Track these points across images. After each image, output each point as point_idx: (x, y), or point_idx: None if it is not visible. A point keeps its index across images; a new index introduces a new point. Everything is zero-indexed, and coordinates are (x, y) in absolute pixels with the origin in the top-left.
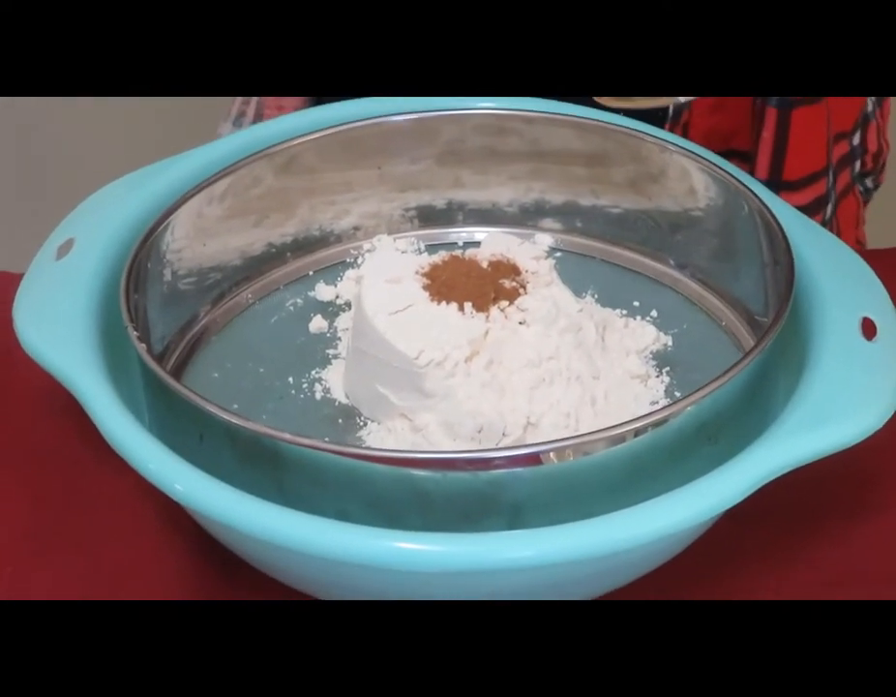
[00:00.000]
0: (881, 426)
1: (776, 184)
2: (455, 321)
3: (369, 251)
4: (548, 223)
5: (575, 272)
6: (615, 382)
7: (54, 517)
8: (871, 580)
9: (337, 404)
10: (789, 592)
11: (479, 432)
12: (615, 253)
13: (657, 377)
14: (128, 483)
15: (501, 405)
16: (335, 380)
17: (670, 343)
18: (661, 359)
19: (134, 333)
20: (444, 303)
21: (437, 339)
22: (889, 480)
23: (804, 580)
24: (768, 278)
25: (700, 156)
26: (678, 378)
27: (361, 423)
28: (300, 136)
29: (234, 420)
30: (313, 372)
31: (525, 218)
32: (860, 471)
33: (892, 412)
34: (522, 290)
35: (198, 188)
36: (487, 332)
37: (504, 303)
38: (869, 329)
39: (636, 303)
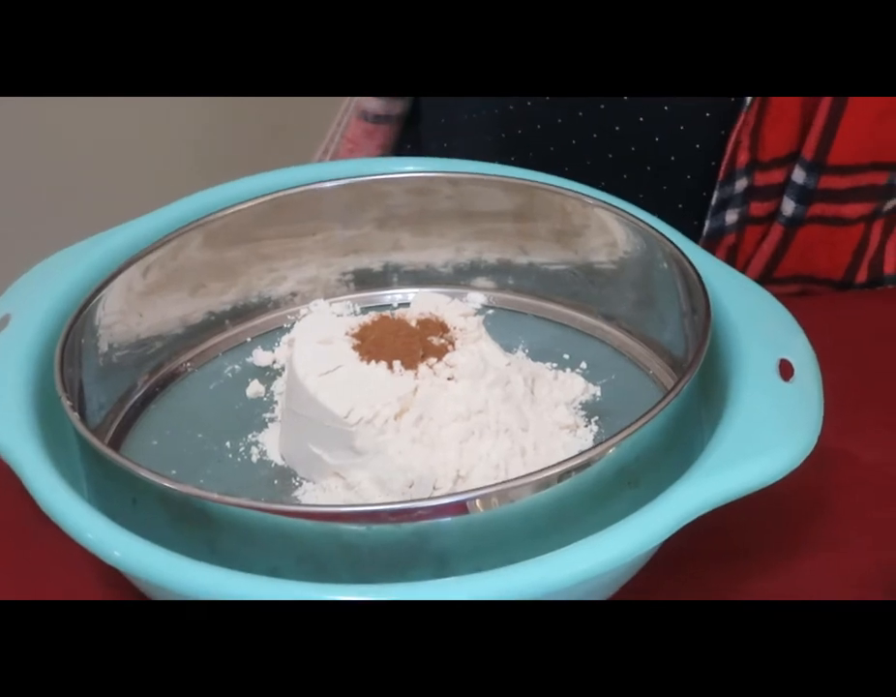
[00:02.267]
0: (799, 463)
1: None
2: (384, 379)
3: (305, 315)
4: (481, 281)
5: (506, 328)
6: (544, 433)
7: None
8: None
9: (273, 465)
10: None
11: (410, 487)
12: (546, 307)
13: (586, 426)
14: (71, 551)
15: (431, 459)
16: (271, 443)
17: (598, 393)
18: (590, 409)
19: (68, 403)
20: (374, 362)
21: (367, 397)
22: (814, 521)
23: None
24: (688, 325)
25: (618, 208)
26: (607, 427)
27: (297, 483)
28: (234, 205)
29: (165, 483)
30: (250, 435)
31: (459, 277)
32: (785, 513)
33: (810, 450)
34: (450, 347)
35: (130, 261)
36: (416, 388)
37: (433, 360)
38: (786, 370)
39: (565, 356)
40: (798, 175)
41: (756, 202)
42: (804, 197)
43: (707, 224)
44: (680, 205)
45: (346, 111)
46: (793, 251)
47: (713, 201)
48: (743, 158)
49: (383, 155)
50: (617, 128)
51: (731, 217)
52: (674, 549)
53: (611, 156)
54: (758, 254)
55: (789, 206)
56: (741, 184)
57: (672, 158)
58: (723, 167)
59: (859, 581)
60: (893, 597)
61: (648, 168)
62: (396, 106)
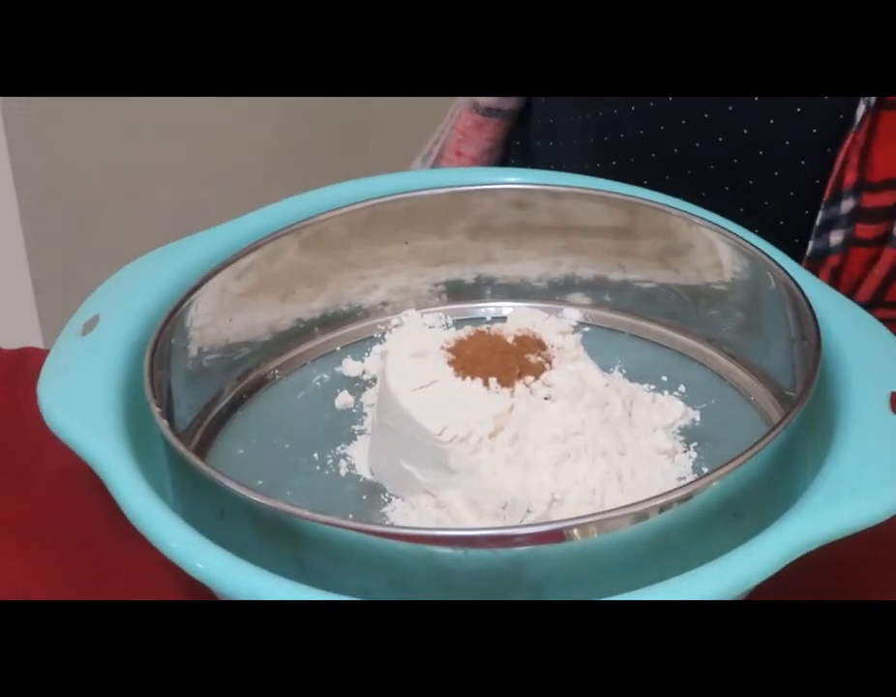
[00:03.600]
0: None
1: None
2: (479, 397)
3: (396, 326)
4: (576, 297)
5: (602, 347)
6: (642, 458)
7: (83, 594)
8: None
9: (361, 480)
10: None
11: (503, 508)
12: (643, 327)
13: (684, 452)
14: (152, 560)
15: (526, 481)
16: (360, 456)
17: (697, 418)
18: (688, 434)
19: (157, 410)
20: (469, 378)
21: (462, 414)
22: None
23: None
24: (796, 352)
25: (725, 229)
26: (706, 454)
27: (385, 499)
28: (328, 211)
29: (253, 497)
30: (339, 448)
31: (554, 293)
32: (892, 553)
33: None
34: (547, 365)
35: (224, 264)
36: (511, 407)
37: (529, 378)
38: None
39: (664, 378)
40: None
41: (863, 224)
42: None
43: (811, 244)
44: (781, 222)
45: (460, 103)
46: None
47: (818, 221)
48: (851, 178)
49: (492, 148)
50: (721, 139)
51: (835, 238)
52: (773, 586)
53: (712, 167)
54: (869, 278)
55: None
56: (847, 204)
57: (776, 173)
58: (829, 187)
59: None
60: None
61: (750, 182)
62: (507, 101)
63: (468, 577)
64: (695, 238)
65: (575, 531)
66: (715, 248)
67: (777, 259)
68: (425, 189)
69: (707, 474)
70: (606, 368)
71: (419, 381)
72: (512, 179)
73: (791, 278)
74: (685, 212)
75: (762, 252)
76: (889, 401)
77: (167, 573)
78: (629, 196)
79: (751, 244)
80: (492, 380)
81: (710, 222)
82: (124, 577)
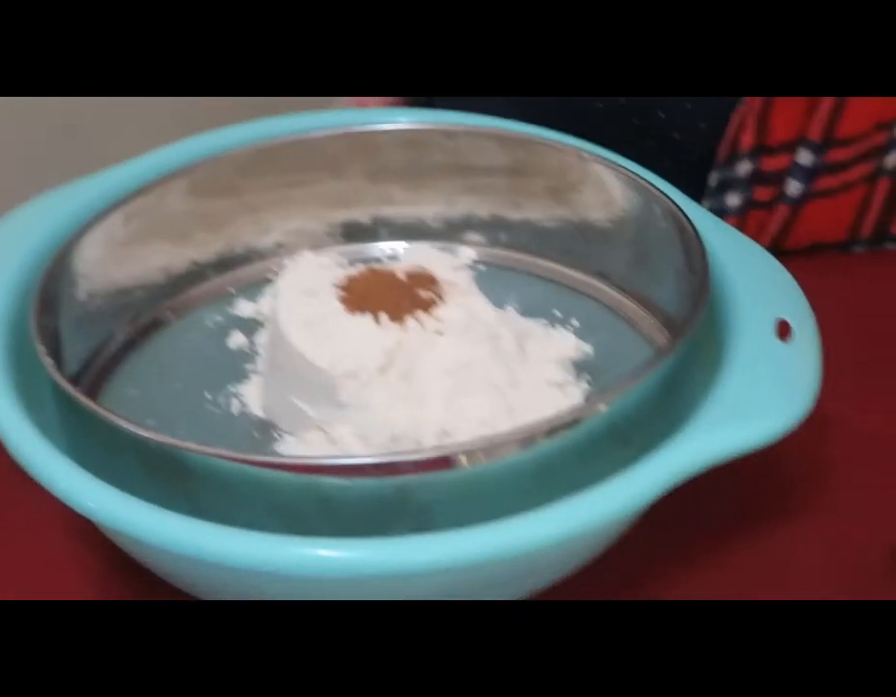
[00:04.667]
0: (795, 425)
1: None
2: (369, 332)
3: (290, 267)
4: (472, 236)
5: (497, 284)
6: (533, 390)
7: None
8: (787, 583)
9: (254, 418)
10: (708, 594)
11: (393, 442)
12: (538, 264)
13: (576, 384)
14: (42, 499)
15: (416, 414)
16: (252, 395)
17: (590, 351)
18: (581, 367)
19: (42, 349)
20: (359, 314)
21: (352, 350)
22: (805, 484)
23: (722, 581)
24: (685, 283)
25: (616, 163)
26: (598, 386)
27: (277, 436)
28: (219, 153)
29: (140, 432)
30: (231, 387)
31: (451, 232)
32: (778, 475)
33: (807, 412)
34: (438, 300)
35: (112, 207)
36: (402, 342)
37: (420, 313)
38: (784, 331)
39: (557, 313)
40: (805, 157)
41: (761, 187)
42: (810, 177)
43: (705, 204)
44: (683, 185)
45: None
46: (798, 226)
47: (713, 182)
48: (748, 141)
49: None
50: (622, 100)
51: (733, 200)
52: (663, 511)
53: (614, 126)
54: (762, 233)
55: (794, 187)
56: (745, 167)
57: (676, 135)
58: (723, 148)
59: (854, 548)
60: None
61: (651, 144)
62: None
63: (354, 507)
64: (587, 174)
65: (462, 458)
66: (606, 183)
67: (666, 191)
68: (318, 129)
69: (593, 400)
70: (500, 304)
71: (309, 318)
72: (405, 119)
73: (680, 208)
74: (576, 147)
75: (652, 184)
76: (776, 327)
77: (62, 518)
78: (521, 133)
79: (641, 177)
80: (383, 316)
81: (601, 157)
82: (12, 515)
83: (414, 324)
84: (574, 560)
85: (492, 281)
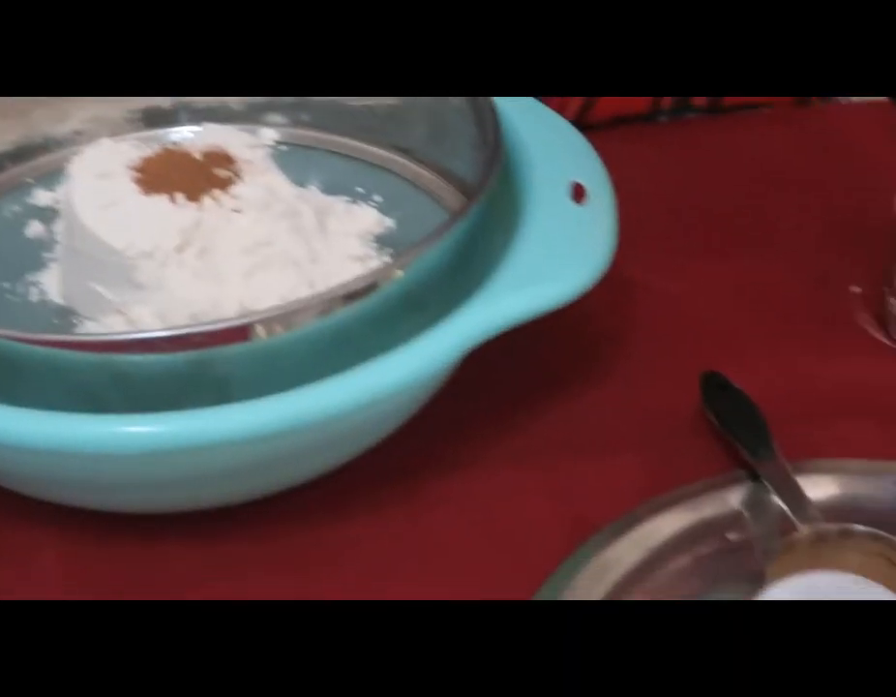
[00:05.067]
0: (589, 287)
1: None
2: (166, 212)
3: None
4: (275, 118)
5: (299, 164)
6: (335, 266)
7: None
8: (593, 445)
9: (53, 306)
10: (514, 460)
11: (193, 321)
12: (339, 142)
13: (378, 258)
14: None
15: (216, 292)
16: (51, 283)
17: (392, 225)
18: (383, 241)
19: None
20: (155, 195)
21: (147, 230)
22: (610, 348)
23: (519, 447)
24: (481, 153)
25: None
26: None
27: (77, 322)
28: None
29: None
30: (30, 276)
31: (253, 114)
32: (583, 340)
33: (601, 273)
34: (236, 179)
35: None
36: (199, 221)
37: (217, 192)
38: (579, 193)
39: (359, 189)
40: None
41: None
42: None
43: None
44: None
45: None
46: (601, 101)
47: None
48: None
49: None
50: None
51: None
52: (473, 377)
53: None
54: (566, 109)
55: None
56: None
57: None
58: None
59: (654, 411)
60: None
61: None
62: None
63: (150, 383)
64: None
65: (259, 329)
66: None
67: None
68: None
69: (389, 265)
70: (301, 183)
71: (104, 201)
72: None
73: None
74: None
75: None
76: (570, 190)
77: None
78: None
79: None
80: (179, 195)
81: None
82: None
83: (211, 203)
84: (376, 428)
85: (295, 160)
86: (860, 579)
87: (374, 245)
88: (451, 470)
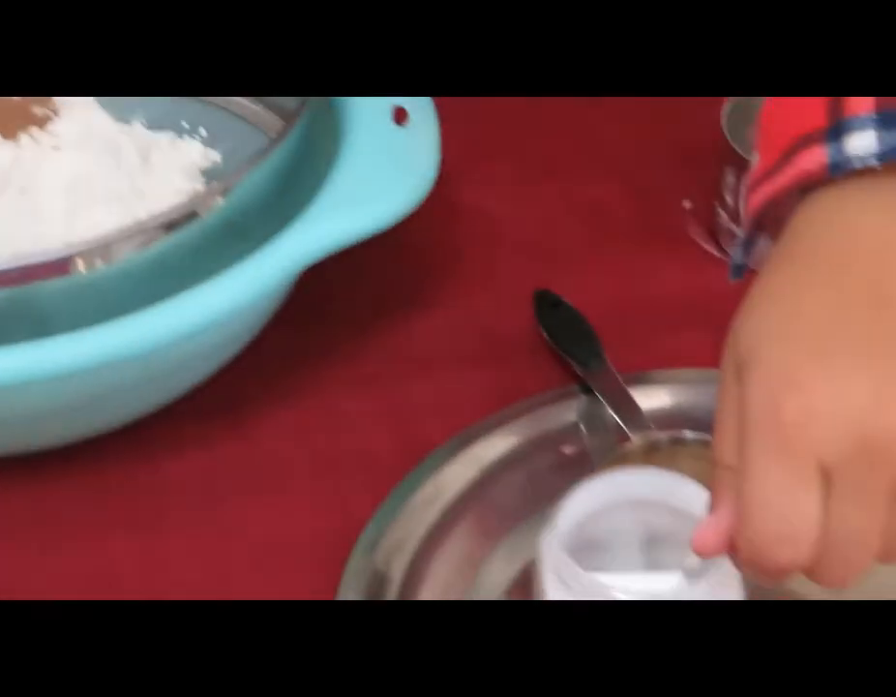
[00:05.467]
0: (413, 205)
1: None
2: None
3: None
4: None
5: (122, 100)
6: (160, 200)
7: None
8: (433, 363)
9: None
10: (343, 385)
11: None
12: None
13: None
14: None
15: (37, 231)
16: None
17: (218, 158)
18: (210, 175)
19: None
20: None
21: None
22: (438, 270)
23: (354, 373)
24: None
25: None
26: None
27: None
28: None
29: None
30: None
31: None
32: (412, 263)
33: (425, 192)
34: (54, 116)
35: None
36: (17, 159)
37: (34, 129)
38: (400, 116)
39: (184, 123)
40: None
41: None
42: None
43: None
44: None
45: None
46: None
47: None
48: None
49: None
50: None
51: None
52: (301, 303)
53: None
54: None
55: None
56: None
57: None
58: None
59: (480, 335)
60: None
61: None
62: None
63: None
64: None
65: (78, 262)
66: None
67: None
68: None
69: (209, 191)
70: (125, 120)
71: None
72: None
73: None
74: None
75: None
76: (392, 113)
77: None
78: None
79: None
80: None
81: None
82: None
83: (29, 141)
84: (205, 359)
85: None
86: (679, 476)
87: (202, 179)
88: (284, 399)
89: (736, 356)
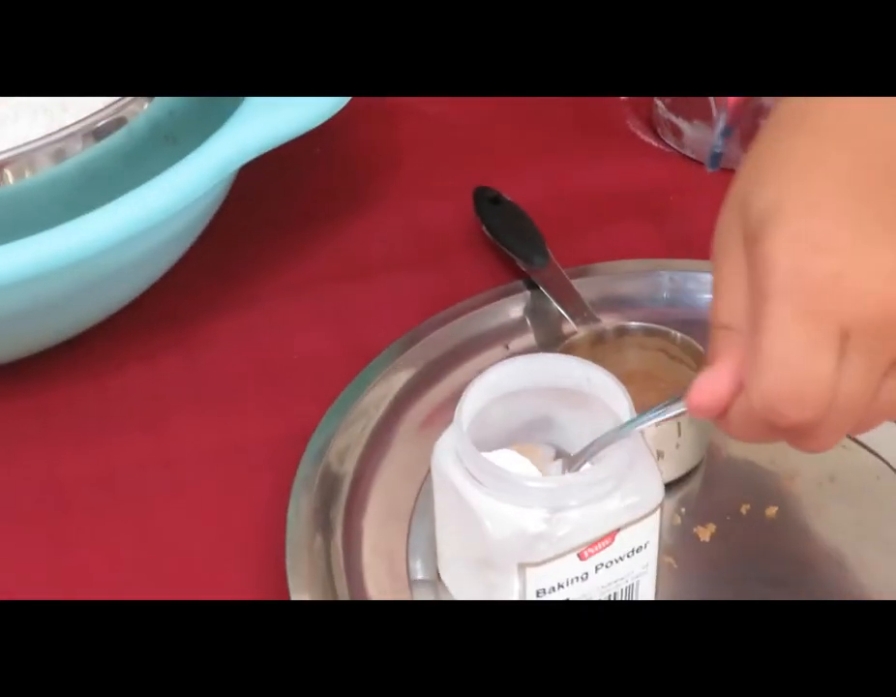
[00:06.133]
0: (339, 107)
1: None
2: None
3: None
4: None
5: None
6: (88, 110)
7: None
8: (361, 274)
9: None
10: (283, 294)
11: None
12: None
13: None
14: None
15: None
16: None
17: None
18: None
19: None
20: None
21: None
22: (381, 172)
23: (293, 280)
24: None
25: None
26: None
27: None
28: None
29: None
30: None
31: None
32: (355, 166)
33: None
34: None
35: None
36: None
37: None
38: None
39: None
40: None
41: None
42: None
43: None
44: None
45: None
46: None
47: None
48: None
49: None
50: None
51: None
52: (235, 211)
53: None
54: None
55: None
56: None
57: None
58: None
59: (420, 235)
60: None
61: None
62: None
63: None
64: None
65: (6, 172)
66: None
67: None
68: None
69: (136, 98)
70: None
71: None
72: None
73: None
74: None
75: None
76: None
77: None
78: None
79: None
80: None
81: None
82: None
83: None
84: (139, 271)
85: None
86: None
87: None
88: (223, 311)
89: (745, 222)
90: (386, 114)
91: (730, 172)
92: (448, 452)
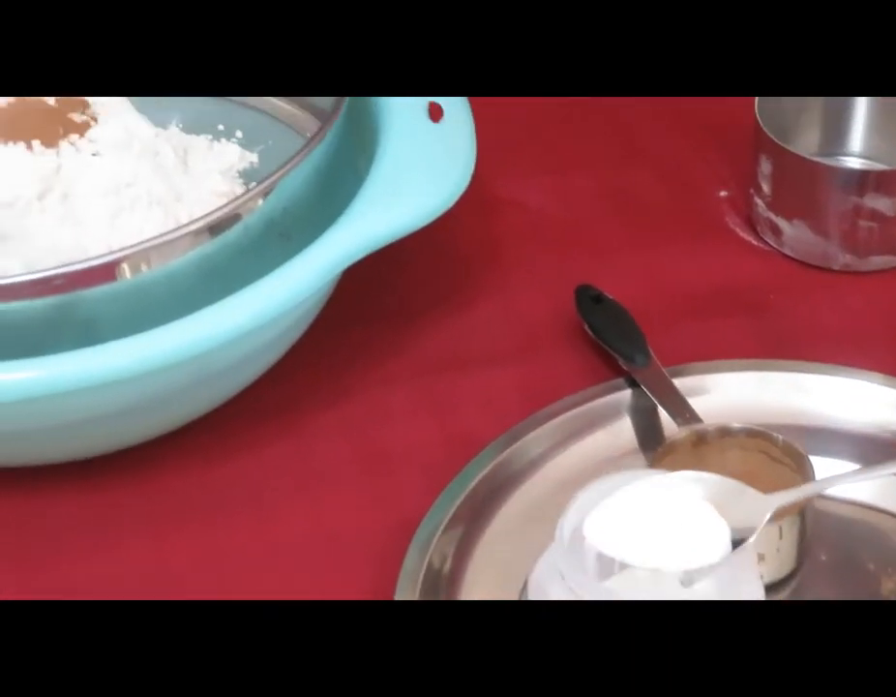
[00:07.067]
0: (451, 201)
1: None
2: (23, 160)
3: None
4: None
5: (158, 104)
6: (199, 203)
7: None
8: (462, 366)
9: None
10: (387, 384)
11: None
12: None
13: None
14: None
15: (81, 237)
16: None
17: (255, 160)
18: (247, 177)
19: None
20: (11, 144)
21: (6, 180)
22: (479, 264)
23: (397, 370)
24: None
25: None
26: None
27: None
28: None
29: None
30: None
31: None
32: (453, 258)
33: (462, 187)
34: (93, 122)
35: None
36: (58, 167)
37: (74, 136)
38: (435, 112)
39: (220, 127)
40: None
41: None
42: None
43: None
44: None
45: None
46: None
47: None
48: None
49: None
50: None
51: None
52: (343, 303)
53: None
54: None
55: None
56: None
57: None
58: None
59: (521, 330)
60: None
61: None
62: None
63: (15, 330)
64: None
65: (123, 267)
66: None
67: None
68: None
69: (251, 193)
70: (162, 124)
71: None
72: None
73: None
74: None
75: None
76: (427, 110)
77: None
78: None
79: None
80: (36, 143)
81: None
82: None
83: (69, 148)
84: (250, 363)
85: (153, 100)
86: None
87: (239, 180)
88: (330, 400)
89: None
90: (486, 207)
91: (828, 272)
92: (551, 570)
